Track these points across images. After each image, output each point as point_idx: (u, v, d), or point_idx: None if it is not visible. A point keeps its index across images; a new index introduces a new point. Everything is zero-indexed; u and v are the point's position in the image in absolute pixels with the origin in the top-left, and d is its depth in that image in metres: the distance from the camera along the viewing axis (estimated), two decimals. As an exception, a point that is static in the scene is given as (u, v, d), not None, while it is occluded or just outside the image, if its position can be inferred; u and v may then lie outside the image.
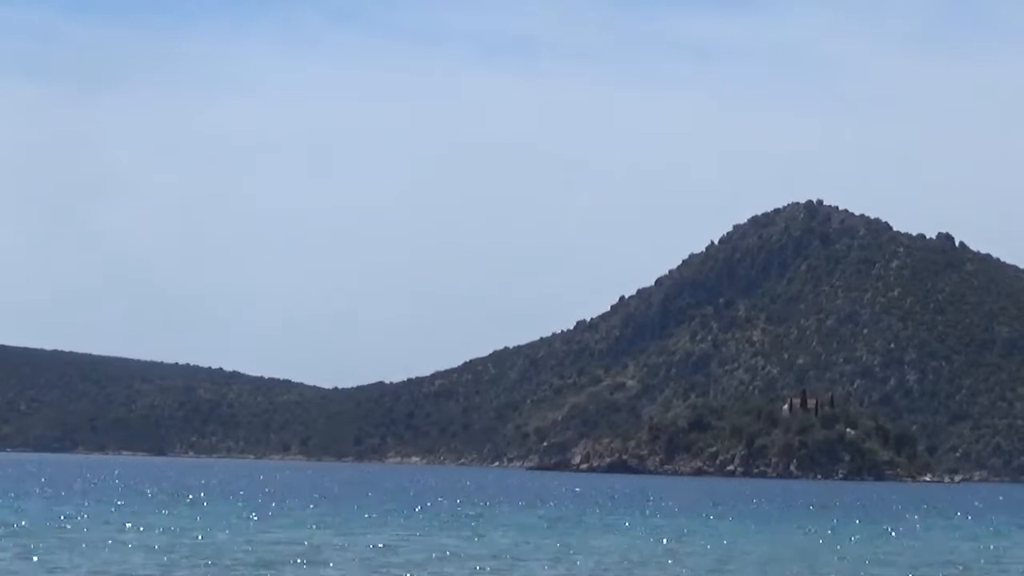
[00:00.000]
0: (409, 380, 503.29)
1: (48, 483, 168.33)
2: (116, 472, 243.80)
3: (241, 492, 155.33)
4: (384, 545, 77.86)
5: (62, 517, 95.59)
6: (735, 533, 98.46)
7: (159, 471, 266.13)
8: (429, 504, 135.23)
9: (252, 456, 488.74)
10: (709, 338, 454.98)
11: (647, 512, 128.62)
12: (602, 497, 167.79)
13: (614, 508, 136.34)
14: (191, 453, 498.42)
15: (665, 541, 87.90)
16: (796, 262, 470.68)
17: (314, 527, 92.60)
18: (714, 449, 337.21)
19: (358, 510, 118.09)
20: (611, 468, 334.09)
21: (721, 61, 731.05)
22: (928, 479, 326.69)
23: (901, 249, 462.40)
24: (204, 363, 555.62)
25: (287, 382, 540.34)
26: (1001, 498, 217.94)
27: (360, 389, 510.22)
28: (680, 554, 77.83)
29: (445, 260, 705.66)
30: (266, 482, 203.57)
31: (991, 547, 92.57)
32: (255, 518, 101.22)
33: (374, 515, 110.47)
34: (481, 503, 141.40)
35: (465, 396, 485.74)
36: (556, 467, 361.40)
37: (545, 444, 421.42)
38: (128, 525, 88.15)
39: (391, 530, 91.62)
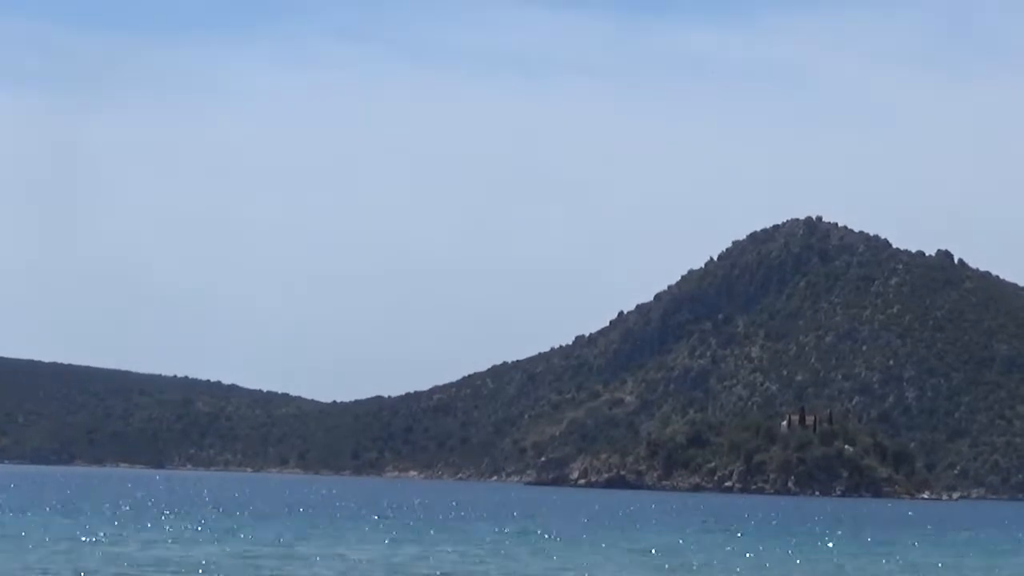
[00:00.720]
0: (407, 394, 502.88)
1: (44, 496, 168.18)
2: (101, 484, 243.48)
3: (234, 504, 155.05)
4: (372, 559, 77.64)
5: (42, 528, 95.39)
6: (724, 549, 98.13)
7: (158, 484, 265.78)
8: (422, 516, 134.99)
9: (250, 469, 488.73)
10: (708, 354, 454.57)
11: (639, 528, 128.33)
12: (596, 512, 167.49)
13: (608, 524, 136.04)
14: (189, 466, 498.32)
15: (654, 551, 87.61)
16: (795, 278, 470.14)
17: (302, 539, 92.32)
18: (712, 465, 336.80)
19: (352, 523, 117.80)
20: (609, 484, 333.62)
21: (721, 77, 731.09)
22: (926, 496, 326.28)
23: (900, 266, 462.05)
24: (203, 376, 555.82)
25: (285, 395, 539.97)
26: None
27: (358, 403, 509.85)
28: (672, 568, 77.59)
29: (444, 274, 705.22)
30: (259, 495, 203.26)
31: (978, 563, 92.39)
32: (243, 529, 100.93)
33: (366, 528, 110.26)
34: (475, 517, 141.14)
35: (463, 411, 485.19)
36: (554, 482, 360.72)
37: (543, 459, 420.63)
38: (117, 536, 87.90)
39: (383, 543, 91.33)
